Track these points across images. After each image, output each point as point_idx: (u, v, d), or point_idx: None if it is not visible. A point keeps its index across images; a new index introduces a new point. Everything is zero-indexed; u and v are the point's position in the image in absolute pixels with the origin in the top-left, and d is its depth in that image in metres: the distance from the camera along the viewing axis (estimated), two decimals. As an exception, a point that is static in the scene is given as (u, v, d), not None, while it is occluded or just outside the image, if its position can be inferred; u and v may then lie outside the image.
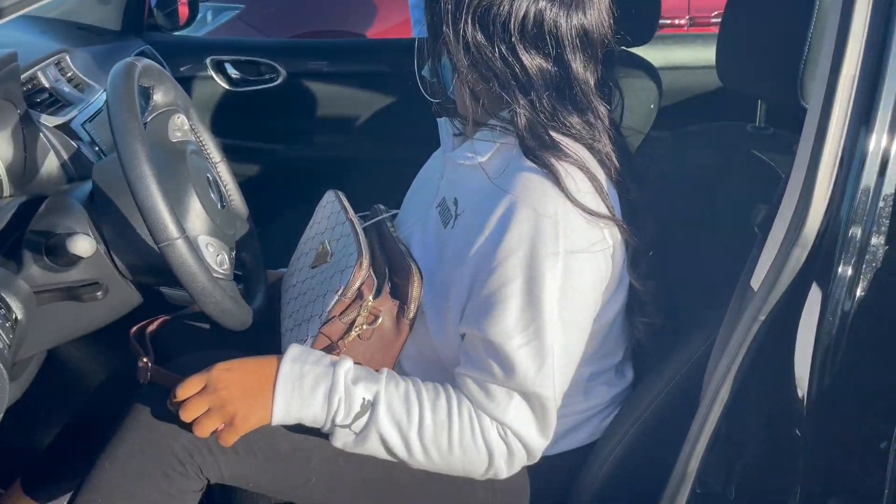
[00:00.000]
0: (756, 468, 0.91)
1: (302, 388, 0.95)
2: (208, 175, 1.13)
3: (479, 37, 0.94)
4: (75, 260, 1.00)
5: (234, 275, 1.10)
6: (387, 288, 1.03)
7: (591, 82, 0.99)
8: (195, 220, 1.04)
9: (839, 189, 0.80)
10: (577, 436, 1.09)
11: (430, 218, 1.06)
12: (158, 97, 1.14)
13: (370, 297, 1.00)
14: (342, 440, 0.96)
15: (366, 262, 1.01)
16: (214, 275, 1.04)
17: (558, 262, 0.91)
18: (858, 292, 0.81)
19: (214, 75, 2.22)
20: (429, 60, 1.03)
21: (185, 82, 2.16)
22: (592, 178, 0.95)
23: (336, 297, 1.00)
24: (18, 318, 0.94)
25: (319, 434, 0.99)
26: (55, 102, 1.36)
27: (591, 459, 1.07)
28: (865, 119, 0.78)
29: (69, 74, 1.51)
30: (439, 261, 1.02)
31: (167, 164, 1.05)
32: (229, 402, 0.94)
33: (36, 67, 1.36)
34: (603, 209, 0.95)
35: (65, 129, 1.33)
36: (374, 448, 0.96)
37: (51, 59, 1.45)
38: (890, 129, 0.79)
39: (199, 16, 4.84)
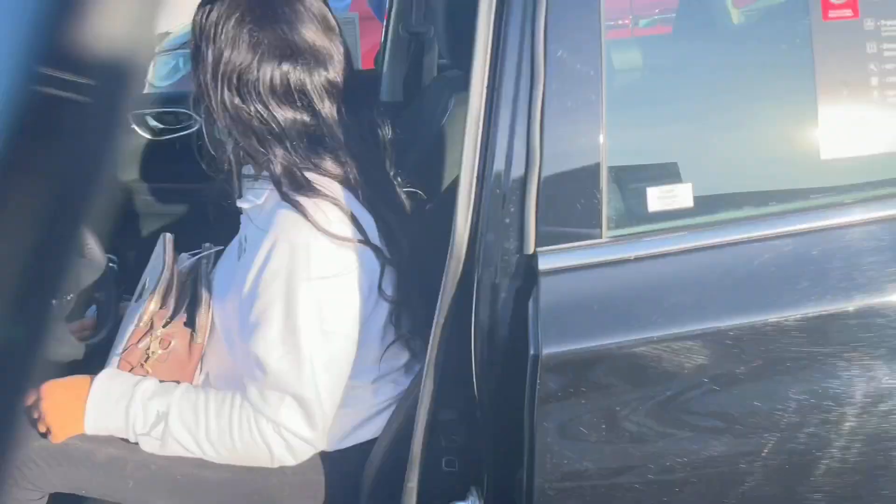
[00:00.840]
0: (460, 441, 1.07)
1: (108, 402, 1.15)
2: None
3: (236, 100, 1.13)
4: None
5: (64, 317, 1.31)
6: (182, 318, 1.22)
7: (341, 127, 1.18)
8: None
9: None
10: (368, 429, 1.27)
11: (232, 254, 1.26)
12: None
13: (160, 327, 1.20)
14: (148, 446, 1.16)
15: (156, 297, 1.21)
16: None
17: (312, 284, 1.09)
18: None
19: (137, 128, 2.42)
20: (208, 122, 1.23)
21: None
22: (342, 208, 1.13)
23: (132, 327, 1.20)
24: None
25: (127, 445, 1.19)
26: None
27: (374, 451, 1.24)
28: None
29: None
30: (229, 290, 1.21)
31: None
32: (49, 412, 1.16)
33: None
34: (349, 234, 1.13)
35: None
36: (175, 450, 1.16)
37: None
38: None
39: (173, 63, 5.14)
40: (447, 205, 1.33)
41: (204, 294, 1.24)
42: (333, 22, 1.18)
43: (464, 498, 1.11)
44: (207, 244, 1.41)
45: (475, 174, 0.97)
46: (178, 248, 1.47)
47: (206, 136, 1.22)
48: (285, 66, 1.12)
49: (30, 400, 1.16)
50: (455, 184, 1.49)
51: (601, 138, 0.99)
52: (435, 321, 1.01)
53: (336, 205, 1.12)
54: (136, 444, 1.17)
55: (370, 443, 1.26)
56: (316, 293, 1.09)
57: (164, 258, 1.31)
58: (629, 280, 1.00)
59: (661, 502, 1.01)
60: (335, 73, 1.16)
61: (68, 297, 1.33)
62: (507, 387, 0.99)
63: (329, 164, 1.16)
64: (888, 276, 0.97)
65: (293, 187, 1.12)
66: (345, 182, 1.17)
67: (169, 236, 1.38)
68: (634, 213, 1.04)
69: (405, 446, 1.19)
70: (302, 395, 1.12)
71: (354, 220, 1.13)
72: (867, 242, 0.99)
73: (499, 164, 0.97)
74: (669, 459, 0.99)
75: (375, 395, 1.26)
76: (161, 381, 1.18)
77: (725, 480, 1.00)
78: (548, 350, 0.93)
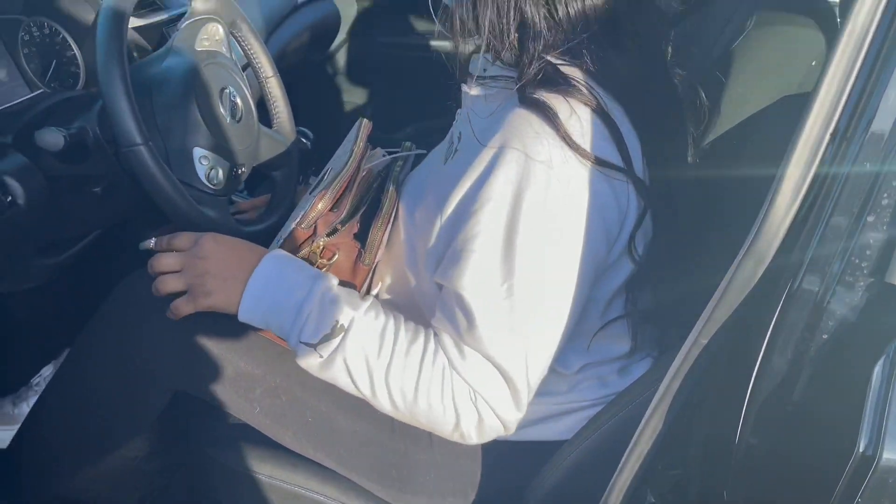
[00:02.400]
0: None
1: (279, 287, 0.89)
2: (227, 88, 1.12)
3: None
4: (86, 153, 1.05)
5: (233, 190, 1.10)
6: (353, 226, 0.96)
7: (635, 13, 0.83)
8: (192, 132, 1.04)
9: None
10: (553, 428, 0.96)
11: (438, 152, 0.97)
12: (198, 4, 1.14)
13: (323, 234, 0.94)
14: (306, 361, 0.89)
15: (328, 195, 0.95)
16: (202, 188, 1.04)
17: (546, 214, 0.78)
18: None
19: None
20: None
21: None
22: (607, 120, 0.80)
23: (292, 225, 0.96)
24: (18, 202, 1.01)
25: (266, 364, 0.97)
26: (151, 4, 1.43)
27: (555, 457, 0.94)
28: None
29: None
30: (425, 198, 0.92)
31: (176, 73, 1.06)
32: (203, 272, 0.91)
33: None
34: (615, 159, 0.79)
35: (150, 29, 1.39)
36: (338, 377, 0.89)
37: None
38: None
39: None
40: (730, 162, 0.94)
41: (387, 202, 0.96)
42: None
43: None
44: (408, 143, 1.12)
45: (826, 132, 0.58)
46: (378, 138, 1.20)
47: (453, 5, 0.90)
48: None
49: (167, 243, 0.94)
50: (750, 135, 1.10)
51: None
52: (695, 330, 0.66)
53: (598, 114, 0.79)
54: (275, 362, 0.95)
55: (548, 445, 0.95)
56: (548, 228, 0.78)
57: (352, 148, 1.05)
58: None
59: None
60: None
61: (239, 170, 1.12)
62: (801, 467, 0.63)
63: (613, 63, 0.82)
64: None
65: (543, 82, 0.80)
66: (615, 90, 0.82)
67: (366, 122, 1.11)
68: None
69: (594, 471, 0.88)
70: (507, 362, 0.83)
71: (619, 140, 0.80)
72: None
73: (882, 123, 0.57)
74: None
75: (573, 390, 0.94)
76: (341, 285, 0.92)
77: None
78: None
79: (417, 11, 2.30)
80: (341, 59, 2.44)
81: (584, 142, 0.77)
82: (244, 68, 1.37)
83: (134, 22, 1.36)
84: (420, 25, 2.36)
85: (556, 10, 0.79)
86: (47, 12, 1.20)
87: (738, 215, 0.89)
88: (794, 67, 1.43)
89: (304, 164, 1.46)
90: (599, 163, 0.78)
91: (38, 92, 1.17)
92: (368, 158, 1.06)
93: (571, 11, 0.79)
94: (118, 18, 0.96)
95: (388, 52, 2.42)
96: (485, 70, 0.90)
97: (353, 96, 2.51)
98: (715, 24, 1.56)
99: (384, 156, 1.11)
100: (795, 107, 1.17)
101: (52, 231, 1.11)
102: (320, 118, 2.37)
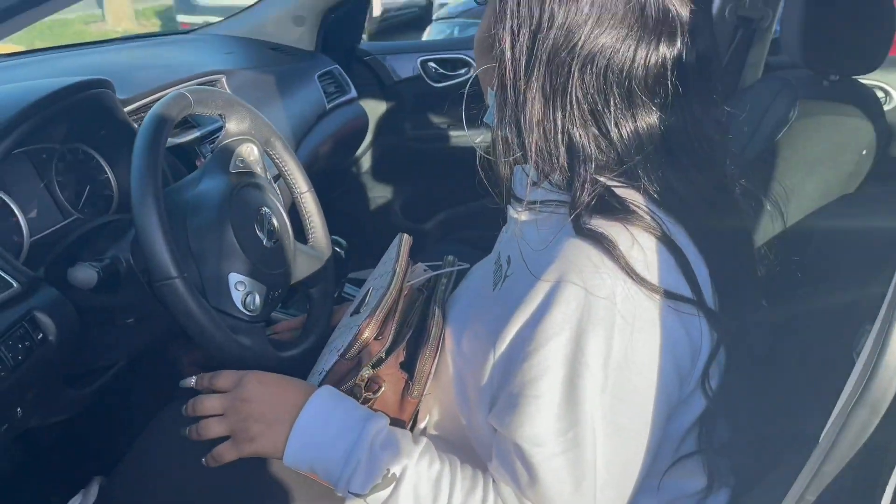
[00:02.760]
0: None
1: (324, 433, 0.82)
2: (264, 210, 1.09)
3: (577, 90, 0.74)
4: (119, 284, 1.02)
5: (269, 315, 1.05)
6: (399, 355, 0.90)
7: (693, 127, 0.78)
8: (227, 258, 1.01)
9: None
10: None
11: (486, 275, 0.91)
12: (231, 125, 1.12)
13: (368, 366, 0.88)
14: None
15: (372, 324, 0.90)
16: (238, 315, 1.00)
17: (612, 354, 0.71)
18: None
19: (423, 74, 2.37)
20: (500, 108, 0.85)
21: (400, 85, 2.36)
22: (672, 247, 0.74)
23: (336, 357, 0.90)
24: (49, 338, 0.97)
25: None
26: (185, 123, 1.42)
27: None
28: None
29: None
30: (474, 328, 0.86)
31: (211, 197, 1.03)
32: (247, 416, 0.84)
33: (176, 88, 1.44)
34: (683, 290, 0.73)
35: (184, 148, 1.38)
36: None
37: (198, 81, 1.52)
38: None
39: (448, 31, 5.05)
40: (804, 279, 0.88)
41: (434, 328, 0.90)
42: None
43: None
44: (450, 257, 1.07)
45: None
46: (411, 229, 1.14)
47: (494, 128, 0.85)
48: (665, 44, 0.73)
49: (208, 382, 0.88)
50: (819, 244, 1.04)
51: None
52: (798, 484, 0.59)
53: (663, 242, 0.73)
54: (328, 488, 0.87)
55: None
56: (616, 369, 0.71)
57: (394, 267, 1.00)
58: None
59: None
60: (704, 46, 0.76)
61: (276, 292, 1.08)
62: None
63: (670, 185, 0.76)
64: None
65: (598, 208, 0.74)
66: (676, 211, 0.77)
67: (406, 238, 1.07)
68: None
69: None
70: None
71: (687, 269, 0.73)
72: None
73: None
74: None
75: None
76: (392, 426, 0.86)
77: None
78: None
79: (443, 102, 2.34)
80: (369, 157, 2.45)
81: (649, 273, 0.71)
82: (275, 179, 1.35)
83: (168, 142, 1.36)
84: (446, 115, 2.39)
85: (608, 131, 0.75)
86: (83, 138, 1.19)
87: (818, 342, 0.82)
88: (845, 158, 1.38)
89: (339, 272, 1.42)
90: (667, 295, 0.71)
91: (72, 219, 1.15)
92: (412, 273, 1.01)
93: (624, 132, 0.74)
94: (154, 146, 0.93)
95: (415, 146, 2.43)
96: (533, 184, 0.85)
97: (383, 192, 2.51)
98: (752, 114, 1.53)
99: (425, 270, 1.06)
100: (862, 209, 1.11)
101: (83, 363, 1.07)
102: (353, 221, 2.36)
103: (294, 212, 1.28)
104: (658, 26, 0.73)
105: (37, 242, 1.08)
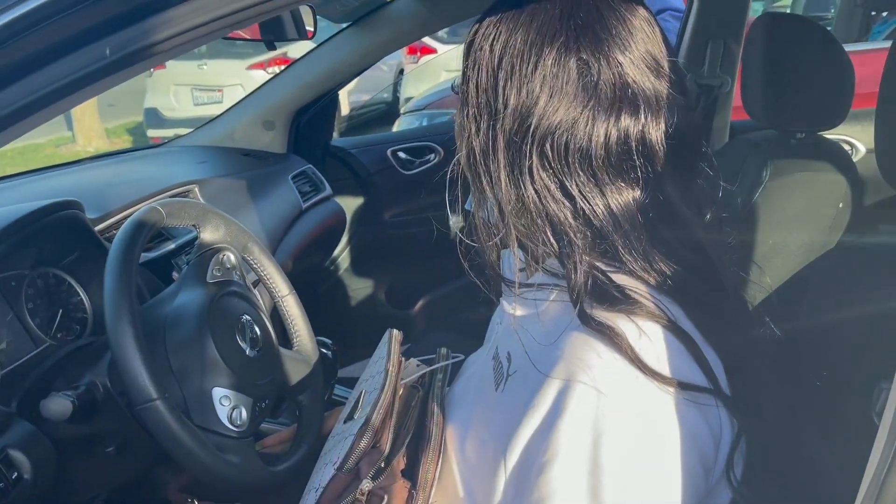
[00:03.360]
0: None
1: None
2: (244, 318, 1.05)
3: (541, 172, 0.72)
4: (97, 411, 0.97)
5: (257, 429, 1.00)
6: (400, 462, 0.85)
7: (681, 203, 0.75)
8: (210, 372, 0.96)
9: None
10: None
11: (485, 372, 0.86)
12: (206, 235, 1.10)
13: (368, 477, 0.83)
14: None
15: (368, 432, 0.85)
16: (224, 432, 0.95)
17: (630, 457, 0.67)
18: None
19: (394, 163, 2.42)
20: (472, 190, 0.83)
21: (374, 177, 2.40)
22: (680, 334, 0.70)
23: (332, 471, 0.85)
24: (24, 477, 0.91)
25: None
26: (158, 235, 1.40)
27: None
28: None
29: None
30: (478, 432, 0.81)
31: (189, 311, 1.00)
32: None
33: (147, 202, 1.42)
34: (698, 379, 0.69)
35: (159, 262, 1.35)
36: None
37: (170, 193, 1.51)
38: None
39: (417, 123, 5.16)
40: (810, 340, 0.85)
41: (434, 429, 0.85)
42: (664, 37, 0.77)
43: None
44: (443, 349, 1.03)
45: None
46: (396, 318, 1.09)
47: (472, 214, 0.83)
48: (626, 119, 0.72)
49: None
50: (813, 299, 1.02)
51: None
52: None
53: (670, 329, 0.69)
54: None
55: None
56: (636, 475, 0.66)
57: (386, 367, 0.96)
58: None
59: None
60: (675, 117, 0.74)
61: (263, 404, 1.03)
62: None
63: (657, 264, 0.73)
64: None
65: (599, 298, 0.71)
66: (673, 291, 0.73)
67: (396, 334, 1.03)
68: None
69: None
70: None
71: (699, 355, 0.69)
72: None
73: None
74: None
75: None
76: None
77: None
78: None
79: (416, 189, 2.38)
80: (349, 251, 2.44)
81: (661, 365, 0.67)
82: (255, 284, 1.32)
83: (142, 256, 1.33)
84: (420, 200, 2.41)
85: (582, 209, 0.73)
86: (54, 262, 1.16)
87: (833, 405, 0.79)
88: (823, 212, 1.39)
89: (328, 375, 1.37)
90: (682, 386, 0.67)
91: (44, 346, 1.10)
92: (403, 372, 0.97)
93: (597, 210, 0.72)
94: (127, 264, 0.91)
95: (393, 233, 2.43)
96: (521, 270, 0.83)
97: (365, 284, 2.49)
98: (724, 178, 1.54)
99: (418, 366, 1.02)
100: (848, 261, 1.10)
101: (62, 499, 1.00)
102: (338, 317, 2.33)
103: (276, 316, 1.24)
104: (616, 101, 0.72)
105: (8, 374, 1.03)
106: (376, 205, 2.42)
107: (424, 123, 4.99)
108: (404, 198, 2.44)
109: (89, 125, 8.08)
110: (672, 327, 0.69)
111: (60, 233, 1.13)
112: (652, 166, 0.72)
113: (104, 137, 8.36)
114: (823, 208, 1.40)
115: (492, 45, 0.75)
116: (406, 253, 2.43)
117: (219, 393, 0.96)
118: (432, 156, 2.45)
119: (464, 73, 0.77)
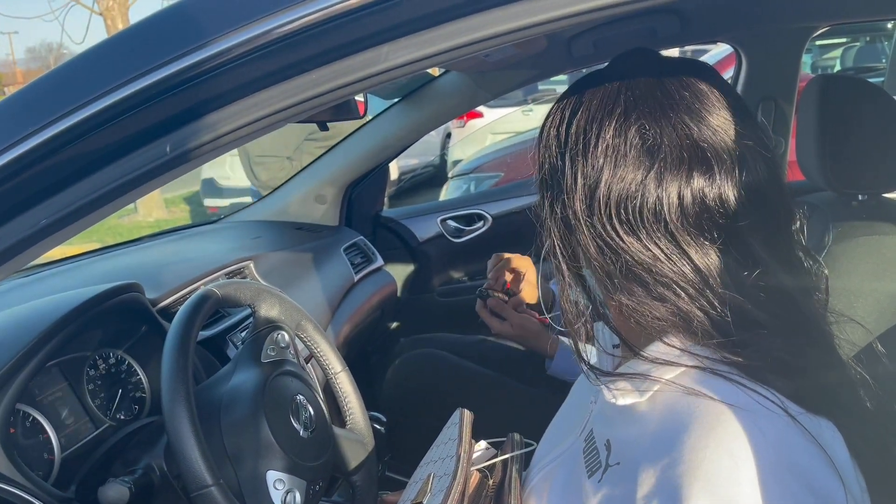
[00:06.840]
0: None
1: None
2: (298, 398, 1.05)
3: (622, 237, 0.71)
4: (154, 494, 0.97)
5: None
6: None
7: (775, 265, 0.72)
8: (264, 455, 0.96)
9: None
10: None
11: (574, 455, 0.81)
12: (261, 313, 1.11)
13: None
14: None
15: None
16: (279, 518, 0.93)
17: None
18: None
19: (444, 231, 2.44)
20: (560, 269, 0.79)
21: (424, 245, 2.42)
22: (800, 429, 0.64)
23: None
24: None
25: None
26: (215, 313, 1.42)
27: None
28: None
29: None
30: None
31: (244, 392, 1.00)
32: None
33: (205, 280, 1.45)
34: (833, 485, 0.63)
35: (215, 340, 1.36)
36: None
37: (227, 270, 1.53)
38: None
39: (465, 187, 5.20)
40: None
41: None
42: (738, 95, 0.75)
43: None
44: (516, 435, 0.98)
45: None
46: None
47: (559, 293, 0.81)
48: (698, 180, 0.71)
49: None
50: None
51: None
52: None
53: (790, 424, 0.64)
54: None
55: None
56: None
57: (458, 452, 0.92)
58: None
59: None
60: (756, 176, 0.72)
61: (317, 485, 1.02)
62: None
63: (758, 342, 0.68)
64: None
65: (708, 386, 0.67)
66: (769, 373, 0.67)
67: (468, 414, 0.98)
68: None
69: None
70: None
71: (824, 454, 0.64)
72: None
73: None
74: None
75: None
76: None
77: None
78: None
79: (466, 256, 2.40)
80: (401, 321, 2.43)
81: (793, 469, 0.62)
82: (307, 360, 1.32)
83: (199, 335, 1.35)
84: (469, 267, 2.41)
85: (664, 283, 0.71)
86: (115, 343, 1.18)
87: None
88: (891, 275, 1.33)
89: (381, 452, 1.35)
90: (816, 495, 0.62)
91: (104, 427, 1.11)
92: (475, 455, 0.93)
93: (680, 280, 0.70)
94: (183, 347, 0.92)
95: (443, 301, 2.42)
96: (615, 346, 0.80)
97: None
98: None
99: (487, 448, 0.98)
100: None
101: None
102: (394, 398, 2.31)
103: (329, 391, 1.24)
104: (685, 161, 0.70)
105: (68, 457, 1.04)
106: (427, 273, 2.43)
107: (472, 188, 5.05)
108: (454, 265, 2.45)
109: (149, 197, 8.37)
110: (790, 420, 0.64)
111: (121, 315, 1.16)
112: (735, 225, 0.69)
113: (163, 208, 8.65)
114: (892, 273, 1.35)
115: (558, 128, 0.76)
116: (457, 320, 2.41)
117: (273, 476, 0.95)
118: (481, 223, 2.46)
119: (538, 161, 0.78)
